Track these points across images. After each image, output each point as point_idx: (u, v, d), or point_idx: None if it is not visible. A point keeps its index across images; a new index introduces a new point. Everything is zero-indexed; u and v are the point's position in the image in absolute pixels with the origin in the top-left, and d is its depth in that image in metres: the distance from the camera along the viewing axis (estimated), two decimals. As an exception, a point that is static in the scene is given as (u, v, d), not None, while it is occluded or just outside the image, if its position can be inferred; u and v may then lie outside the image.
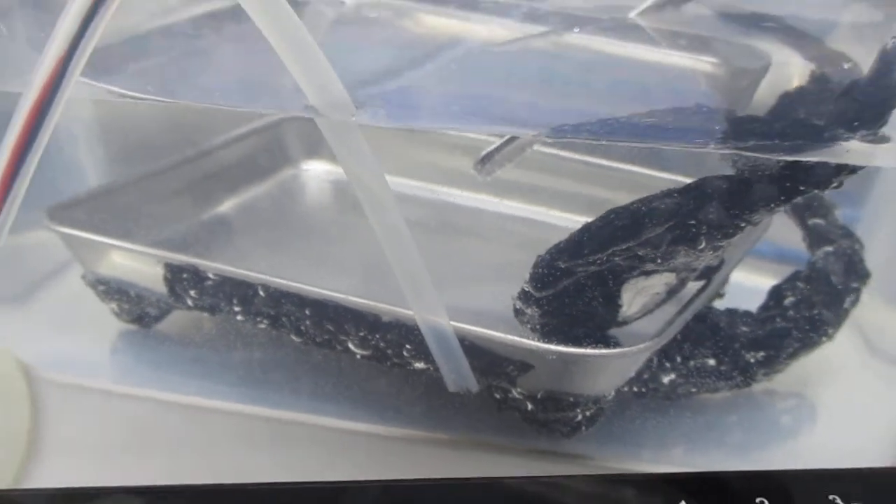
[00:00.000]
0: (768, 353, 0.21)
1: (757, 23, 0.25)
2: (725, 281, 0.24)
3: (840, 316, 0.22)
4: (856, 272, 0.23)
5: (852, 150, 0.15)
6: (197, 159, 0.27)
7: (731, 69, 0.23)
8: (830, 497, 0.14)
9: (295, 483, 0.14)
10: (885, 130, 0.16)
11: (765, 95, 0.21)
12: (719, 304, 0.23)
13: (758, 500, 0.14)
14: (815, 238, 0.24)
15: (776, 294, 0.23)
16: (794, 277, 0.23)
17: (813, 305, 0.22)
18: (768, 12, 0.25)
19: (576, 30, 0.23)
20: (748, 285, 0.25)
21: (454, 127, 0.21)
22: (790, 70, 0.21)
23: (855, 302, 0.23)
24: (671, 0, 0.26)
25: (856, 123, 0.14)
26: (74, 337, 0.23)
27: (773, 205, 0.16)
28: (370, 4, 0.24)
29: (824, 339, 0.22)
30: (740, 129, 0.16)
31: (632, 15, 0.25)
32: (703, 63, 0.23)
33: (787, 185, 0.15)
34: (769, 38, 0.24)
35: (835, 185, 0.15)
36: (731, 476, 0.14)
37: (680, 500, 0.13)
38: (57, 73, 0.13)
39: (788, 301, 0.22)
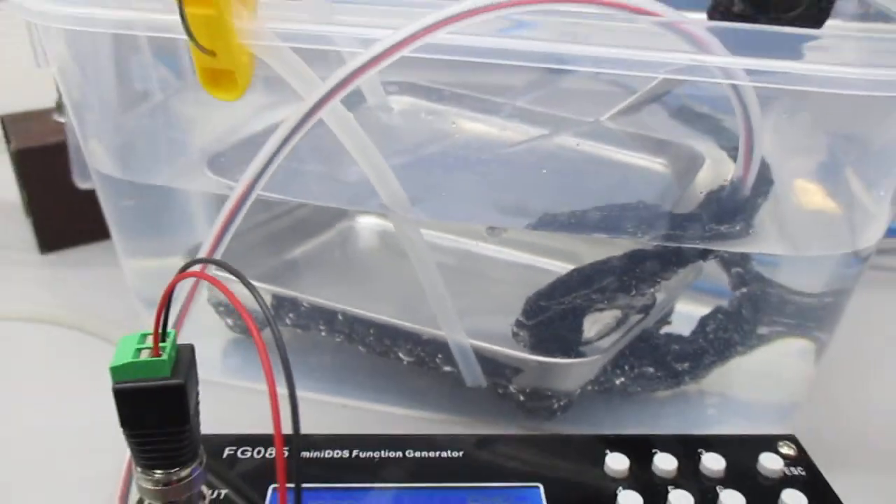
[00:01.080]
0: (691, 364, 0.30)
1: (700, 124, 0.34)
2: (671, 312, 0.33)
3: (747, 339, 0.31)
4: (764, 307, 0.32)
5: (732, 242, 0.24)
6: (282, 215, 0.36)
7: (677, 169, 0.32)
8: (699, 450, 0.23)
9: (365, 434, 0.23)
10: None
11: (699, 189, 0.29)
12: (668, 329, 0.32)
13: (653, 451, 0.23)
14: (735, 281, 0.33)
15: (703, 322, 0.32)
16: (716, 311, 0.32)
17: (727, 331, 0.31)
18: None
19: (569, 137, 0.32)
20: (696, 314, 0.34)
21: (477, 221, 0.30)
22: (722, 168, 0.30)
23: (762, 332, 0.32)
24: (635, 105, 0.35)
25: (719, 220, 0.24)
26: (199, 342, 0.33)
27: (674, 269, 0.25)
28: (414, 110, 0.33)
29: (735, 355, 0.31)
30: (659, 222, 0.25)
31: (604, 118, 0.34)
32: (656, 164, 0.33)
33: (680, 258, 0.24)
34: (708, 139, 0.33)
35: (711, 258, 0.24)
36: (638, 437, 0.23)
37: (605, 450, 0.22)
38: (251, 184, 0.22)
39: (710, 328, 0.31)
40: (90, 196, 0.33)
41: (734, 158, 0.30)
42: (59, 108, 0.41)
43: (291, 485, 0.16)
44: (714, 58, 0.19)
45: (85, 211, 0.37)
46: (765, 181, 0.28)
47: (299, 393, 0.29)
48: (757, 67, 0.19)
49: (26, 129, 0.39)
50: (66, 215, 0.39)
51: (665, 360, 0.30)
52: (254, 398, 0.31)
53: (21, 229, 0.42)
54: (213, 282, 0.17)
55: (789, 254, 0.28)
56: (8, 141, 0.41)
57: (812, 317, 0.29)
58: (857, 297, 0.37)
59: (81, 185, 0.36)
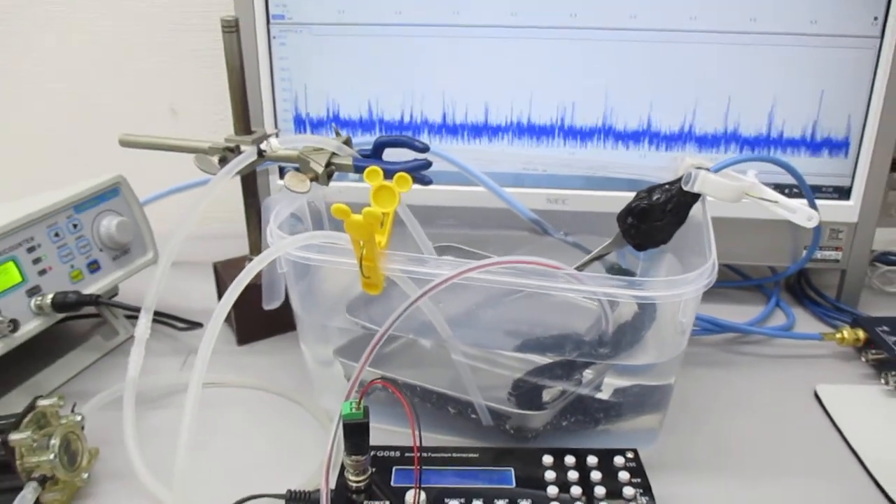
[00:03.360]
0: (605, 415, 0.56)
1: (622, 275, 0.61)
2: (601, 384, 0.59)
3: (640, 409, 0.57)
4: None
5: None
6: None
7: (602, 308, 0.59)
8: (588, 455, 0.49)
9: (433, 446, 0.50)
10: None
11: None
12: (599, 395, 0.58)
13: (566, 454, 0.49)
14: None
15: (615, 392, 0.58)
16: (633, 386, 0.58)
17: (629, 396, 0.57)
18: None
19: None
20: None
21: (489, 347, 0.57)
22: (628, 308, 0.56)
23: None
24: (593, 259, 0.61)
25: (604, 346, 0.50)
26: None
27: (587, 367, 0.51)
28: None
29: (631, 412, 0.57)
30: (581, 346, 0.52)
31: (569, 271, 0.61)
32: (592, 305, 0.59)
33: (588, 364, 0.51)
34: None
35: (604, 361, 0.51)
36: (558, 448, 0.49)
37: (543, 454, 0.49)
38: (380, 339, 0.49)
39: (619, 396, 0.57)
40: (270, 312, 0.60)
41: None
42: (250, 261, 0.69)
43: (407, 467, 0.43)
44: (583, 286, 0.47)
45: (267, 320, 0.65)
46: (651, 319, 0.55)
47: (397, 428, 0.56)
48: (603, 289, 0.46)
49: (233, 273, 0.68)
50: (254, 322, 0.68)
51: (590, 412, 0.56)
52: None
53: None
54: (390, 387, 0.44)
55: (654, 361, 0.54)
56: (218, 279, 0.70)
57: (662, 391, 0.55)
58: (694, 372, 0.63)
59: (266, 307, 0.64)
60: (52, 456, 0.48)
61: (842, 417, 0.59)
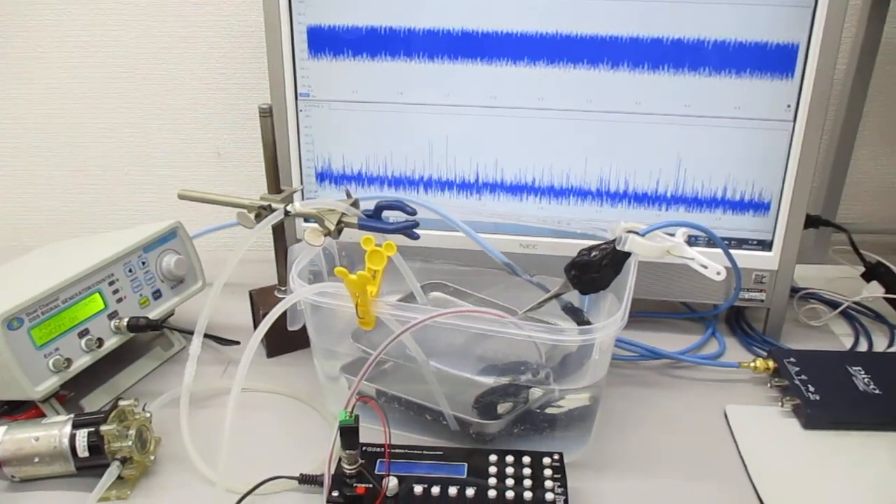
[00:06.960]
0: (549, 425, 0.72)
1: (574, 315, 0.77)
2: (556, 399, 0.75)
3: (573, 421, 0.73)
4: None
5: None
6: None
7: (544, 346, 0.75)
8: (524, 455, 0.65)
9: (410, 444, 0.67)
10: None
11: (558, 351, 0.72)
12: (553, 410, 0.74)
13: (507, 455, 0.65)
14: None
15: (557, 408, 0.74)
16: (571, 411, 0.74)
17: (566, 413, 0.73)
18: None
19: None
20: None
21: (456, 370, 0.73)
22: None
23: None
24: (541, 304, 0.77)
25: (537, 373, 0.66)
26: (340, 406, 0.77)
27: (530, 388, 0.67)
28: (439, 299, 0.77)
29: (571, 423, 0.73)
30: (529, 372, 0.68)
31: (523, 312, 0.77)
32: (543, 341, 0.75)
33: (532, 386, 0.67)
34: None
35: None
36: (502, 449, 0.66)
37: (490, 454, 0.65)
38: (370, 364, 0.66)
39: (564, 411, 0.73)
40: (293, 332, 0.77)
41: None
42: (279, 290, 0.87)
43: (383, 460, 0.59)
44: (521, 331, 0.63)
45: (291, 338, 0.82)
46: (589, 351, 0.71)
47: (382, 429, 0.72)
48: (540, 333, 0.62)
49: (265, 300, 0.85)
50: (281, 340, 0.85)
51: (536, 423, 0.72)
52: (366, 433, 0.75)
53: (254, 343, 0.88)
54: (369, 401, 0.61)
55: (588, 383, 0.70)
56: (253, 305, 0.87)
57: (590, 409, 0.71)
58: (629, 391, 0.79)
59: (290, 328, 0.81)
60: (130, 443, 0.65)
61: (740, 432, 0.74)
